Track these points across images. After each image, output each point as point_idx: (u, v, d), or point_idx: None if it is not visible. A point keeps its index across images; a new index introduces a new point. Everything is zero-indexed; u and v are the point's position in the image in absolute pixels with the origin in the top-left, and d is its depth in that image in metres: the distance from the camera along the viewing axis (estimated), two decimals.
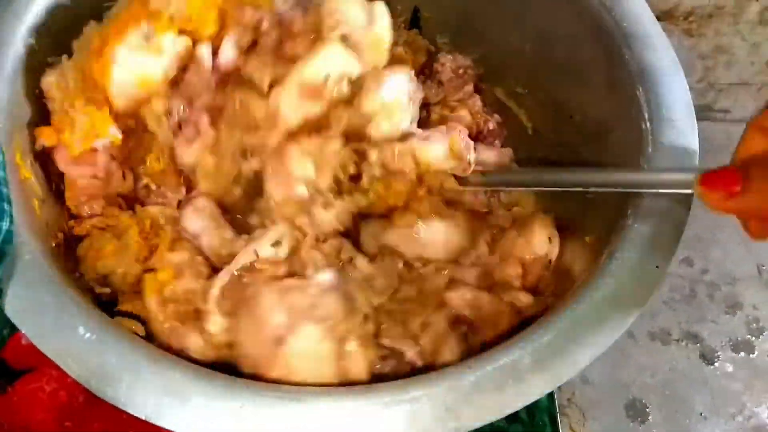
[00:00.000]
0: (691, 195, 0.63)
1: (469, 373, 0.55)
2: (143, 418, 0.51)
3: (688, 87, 0.72)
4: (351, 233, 0.75)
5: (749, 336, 1.02)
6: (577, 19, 0.80)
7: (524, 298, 0.71)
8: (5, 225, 0.57)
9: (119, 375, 0.52)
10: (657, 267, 0.62)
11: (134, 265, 0.70)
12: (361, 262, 0.71)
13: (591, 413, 0.94)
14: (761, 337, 1.02)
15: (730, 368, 1.00)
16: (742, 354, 1.01)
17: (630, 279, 0.61)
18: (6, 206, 0.58)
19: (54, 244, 0.65)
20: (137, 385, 0.52)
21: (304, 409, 0.53)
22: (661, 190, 0.63)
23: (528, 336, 0.58)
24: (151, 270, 0.68)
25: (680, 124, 0.69)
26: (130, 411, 0.51)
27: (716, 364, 1.00)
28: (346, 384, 0.60)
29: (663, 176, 0.63)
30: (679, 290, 1.05)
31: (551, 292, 0.74)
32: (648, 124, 0.69)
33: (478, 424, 0.54)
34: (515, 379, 0.55)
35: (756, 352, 1.01)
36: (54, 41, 0.73)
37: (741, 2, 1.12)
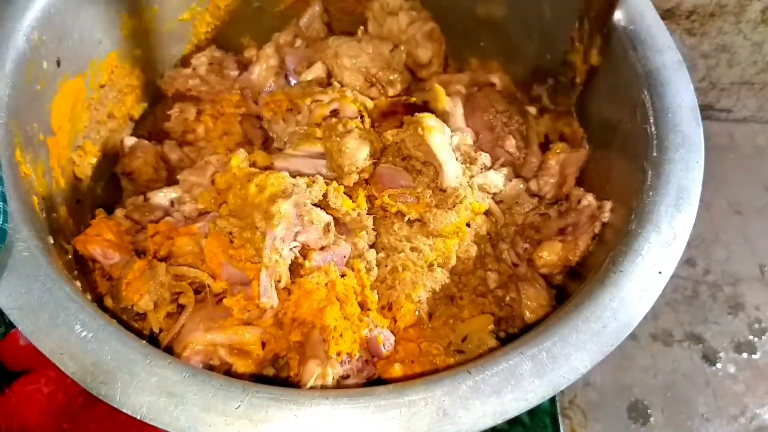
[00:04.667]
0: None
1: (467, 378, 0.55)
2: (138, 418, 0.51)
3: (693, 88, 0.71)
4: None
5: (751, 337, 1.02)
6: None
7: None
8: None
9: (115, 374, 0.52)
10: (660, 273, 0.61)
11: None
12: None
13: (593, 415, 0.94)
14: (763, 337, 1.02)
15: (732, 369, 0.99)
16: (745, 355, 1.01)
17: (632, 285, 0.60)
18: (1, 204, 0.57)
19: (52, 243, 0.65)
20: (133, 384, 0.52)
21: (300, 410, 0.52)
22: None
23: (528, 342, 0.57)
24: None
25: (685, 128, 0.68)
26: (126, 411, 0.51)
27: (718, 365, 0.99)
28: None
29: None
30: (681, 291, 1.04)
31: None
32: (653, 128, 0.68)
33: (476, 429, 0.53)
34: (514, 384, 0.54)
35: (758, 353, 1.01)
36: (54, 38, 0.73)
37: (743, 1, 1.12)
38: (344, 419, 0.52)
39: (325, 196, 0.73)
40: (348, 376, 0.65)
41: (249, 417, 0.51)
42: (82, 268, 0.71)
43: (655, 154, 0.67)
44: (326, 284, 0.69)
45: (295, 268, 0.70)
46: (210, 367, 0.66)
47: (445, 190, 0.75)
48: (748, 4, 1.12)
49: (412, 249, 0.76)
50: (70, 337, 0.53)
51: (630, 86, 0.72)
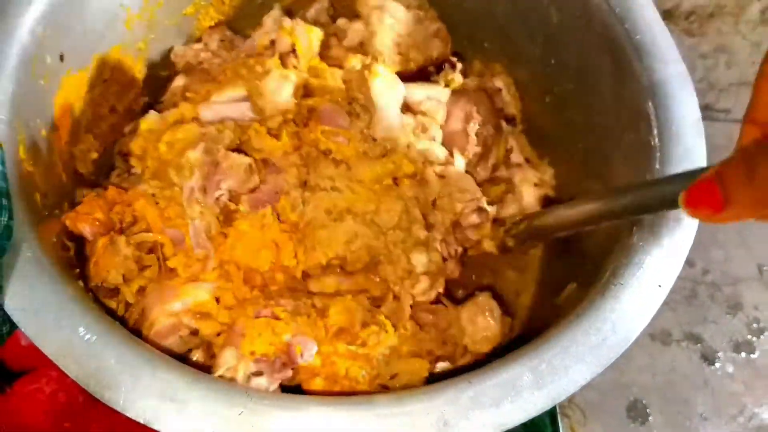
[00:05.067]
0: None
1: (467, 388, 0.55)
2: (141, 422, 0.51)
3: (697, 101, 0.71)
4: None
5: (750, 336, 1.02)
6: (586, 29, 0.80)
7: None
8: (4, 220, 0.56)
9: (118, 378, 0.52)
10: (660, 286, 0.61)
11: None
12: None
13: (592, 414, 0.94)
14: (762, 337, 1.02)
15: (730, 369, 0.99)
16: (743, 354, 1.01)
17: (631, 298, 0.60)
18: (4, 201, 0.57)
19: (54, 240, 0.65)
20: (136, 388, 0.52)
21: (301, 417, 0.52)
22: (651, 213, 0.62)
23: (528, 353, 0.58)
24: None
25: (689, 142, 0.68)
26: (129, 415, 0.51)
27: (717, 365, 1.00)
28: None
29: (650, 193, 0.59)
30: (679, 291, 1.04)
31: None
32: (657, 140, 0.68)
33: None
34: (514, 395, 0.55)
35: (757, 353, 1.01)
36: (58, 32, 0.73)
37: (742, 2, 1.12)
38: (345, 427, 0.52)
39: (245, 140, 0.74)
40: (261, 373, 0.65)
41: (252, 423, 0.51)
42: (82, 262, 0.71)
43: (657, 167, 0.67)
44: (262, 227, 0.69)
45: (230, 215, 0.71)
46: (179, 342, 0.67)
47: (375, 139, 0.74)
48: (747, 4, 1.12)
49: (333, 188, 0.76)
50: (74, 339, 0.53)
51: (634, 97, 0.72)
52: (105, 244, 0.69)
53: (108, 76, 0.83)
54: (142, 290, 0.70)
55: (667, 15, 1.14)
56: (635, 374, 0.98)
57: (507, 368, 0.56)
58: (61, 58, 0.74)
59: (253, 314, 0.67)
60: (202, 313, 0.68)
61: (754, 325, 1.03)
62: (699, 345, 1.01)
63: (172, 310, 0.67)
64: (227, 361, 0.63)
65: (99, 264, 0.68)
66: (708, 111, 1.21)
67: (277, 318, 0.68)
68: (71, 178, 0.76)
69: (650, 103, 0.70)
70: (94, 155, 0.82)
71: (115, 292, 0.70)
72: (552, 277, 0.81)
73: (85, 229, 0.70)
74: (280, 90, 0.75)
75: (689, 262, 1.07)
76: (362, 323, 0.72)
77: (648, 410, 0.95)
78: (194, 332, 0.68)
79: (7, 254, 0.55)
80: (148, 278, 0.71)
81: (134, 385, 0.52)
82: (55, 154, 0.73)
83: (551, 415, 0.83)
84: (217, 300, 0.69)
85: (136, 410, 0.51)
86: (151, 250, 0.72)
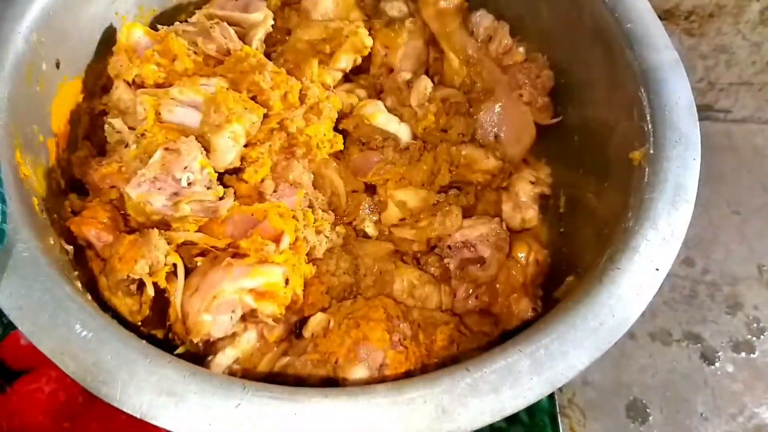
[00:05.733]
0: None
1: (466, 375, 0.55)
2: (138, 416, 0.51)
3: (690, 87, 0.71)
4: None
5: (750, 336, 1.02)
6: (578, 21, 0.80)
7: None
8: None
9: (115, 373, 0.52)
10: (657, 270, 0.62)
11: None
12: None
13: (591, 414, 0.94)
14: (762, 337, 1.02)
15: (730, 368, 0.99)
16: (743, 354, 1.01)
17: (629, 282, 0.61)
18: (0, 205, 0.58)
19: (51, 243, 0.65)
20: (133, 383, 0.52)
21: (299, 408, 0.53)
22: None
23: (526, 339, 0.58)
24: None
25: (682, 126, 0.68)
26: (126, 409, 0.51)
27: (717, 365, 1.00)
28: None
29: None
30: (679, 290, 1.04)
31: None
32: (650, 125, 0.69)
33: (475, 427, 0.53)
34: (512, 382, 0.55)
35: (756, 353, 1.01)
36: (53, 39, 0.74)
37: (741, 2, 1.12)
38: (343, 417, 0.52)
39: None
40: None
41: (248, 415, 0.52)
42: (81, 265, 0.71)
43: (652, 152, 0.67)
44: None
45: None
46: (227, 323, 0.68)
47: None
48: (747, 4, 1.12)
49: None
50: (71, 336, 0.54)
51: (627, 85, 0.73)
52: (133, 240, 0.69)
53: (104, 83, 0.84)
54: (169, 278, 0.69)
55: (667, 15, 1.14)
56: (635, 374, 0.98)
57: (505, 355, 0.56)
58: (57, 65, 0.74)
59: None
60: (265, 293, 0.68)
61: (754, 325, 1.03)
62: (699, 345, 1.01)
63: (241, 286, 0.67)
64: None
65: (125, 258, 0.68)
66: (708, 111, 1.21)
67: None
68: (69, 184, 0.77)
69: (642, 90, 0.71)
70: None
71: (139, 289, 0.70)
72: (553, 271, 0.81)
73: (90, 233, 0.70)
74: (229, 152, 0.73)
75: (689, 262, 1.07)
76: None
77: (648, 410, 0.95)
78: (243, 317, 0.69)
79: (1, 256, 0.56)
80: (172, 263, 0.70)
81: (131, 380, 0.52)
82: (53, 160, 0.74)
83: (551, 415, 0.83)
84: (286, 282, 0.69)
85: (132, 405, 0.51)
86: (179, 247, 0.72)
